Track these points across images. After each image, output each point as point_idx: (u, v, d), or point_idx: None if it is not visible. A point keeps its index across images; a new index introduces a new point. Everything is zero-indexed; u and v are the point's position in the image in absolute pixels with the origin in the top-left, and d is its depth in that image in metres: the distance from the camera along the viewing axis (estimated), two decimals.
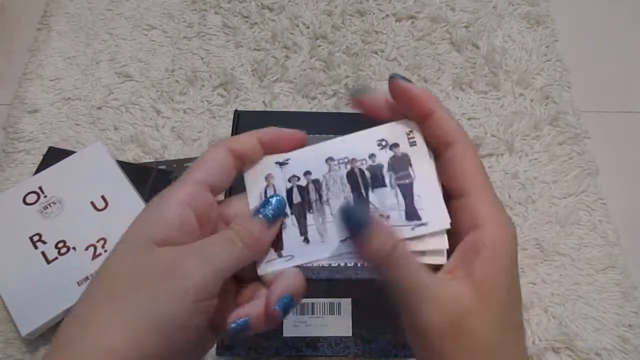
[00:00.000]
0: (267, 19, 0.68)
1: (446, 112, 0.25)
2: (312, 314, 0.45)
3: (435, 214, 0.25)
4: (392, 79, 0.26)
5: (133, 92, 0.63)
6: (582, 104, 0.63)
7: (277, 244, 0.27)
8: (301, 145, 0.28)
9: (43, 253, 0.48)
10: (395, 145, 0.26)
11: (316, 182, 0.27)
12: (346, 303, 0.45)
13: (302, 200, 0.27)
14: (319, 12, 0.68)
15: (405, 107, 0.26)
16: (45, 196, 0.51)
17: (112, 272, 0.24)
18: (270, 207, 0.26)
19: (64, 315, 0.45)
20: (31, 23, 0.69)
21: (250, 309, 0.25)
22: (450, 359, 0.22)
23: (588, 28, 0.70)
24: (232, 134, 0.51)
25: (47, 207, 0.50)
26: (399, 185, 0.26)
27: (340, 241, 0.26)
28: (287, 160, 0.28)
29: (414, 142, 0.26)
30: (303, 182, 0.27)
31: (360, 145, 0.27)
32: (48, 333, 0.47)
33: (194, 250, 0.24)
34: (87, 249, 0.48)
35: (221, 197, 0.43)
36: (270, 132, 0.28)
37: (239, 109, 0.60)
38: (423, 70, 0.64)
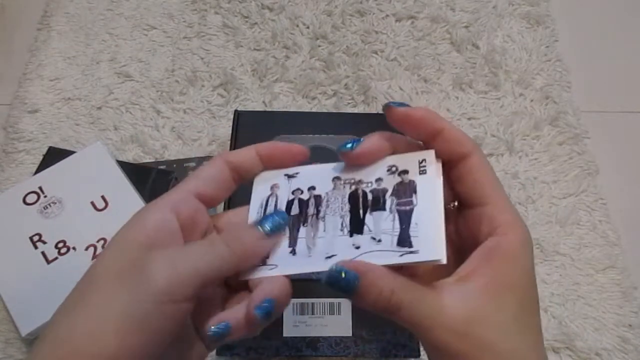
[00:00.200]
0: (267, 19, 0.68)
1: (452, 126, 0.25)
2: (312, 314, 0.45)
3: (430, 243, 0.23)
4: (387, 107, 0.25)
5: (133, 92, 0.63)
6: (582, 104, 0.63)
7: None
8: (302, 159, 0.28)
9: (43, 253, 0.48)
10: (405, 171, 0.26)
11: (317, 198, 0.27)
12: (346, 303, 0.45)
13: (300, 212, 0.27)
14: (319, 12, 0.68)
15: (410, 132, 0.26)
16: (45, 196, 0.51)
17: (96, 272, 0.24)
18: (269, 220, 0.26)
19: None
20: (31, 23, 0.69)
21: (231, 314, 0.25)
22: None
23: (588, 28, 0.70)
24: (232, 134, 0.51)
25: (47, 207, 0.50)
26: (398, 211, 0.25)
27: (326, 257, 0.25)
28: (296, 173, 0.28)
29: (424, 170, 0.25)
30: (305, 195, 0.27)
31: (370, 168, 0.27)
32: None
33: (166, 253, 0.24)
34: (87, 249, 0.48)
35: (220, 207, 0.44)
36: (268, 146, 0.28)
37: (239, 109, 0.60)
38: (423, 70, 0.64)
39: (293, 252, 0.26)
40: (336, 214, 0.26)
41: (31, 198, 0.51)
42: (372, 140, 0.26)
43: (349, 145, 0.26)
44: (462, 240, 0.26)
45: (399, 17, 0.68)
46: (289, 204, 0.27)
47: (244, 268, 0.26)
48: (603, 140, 0.61)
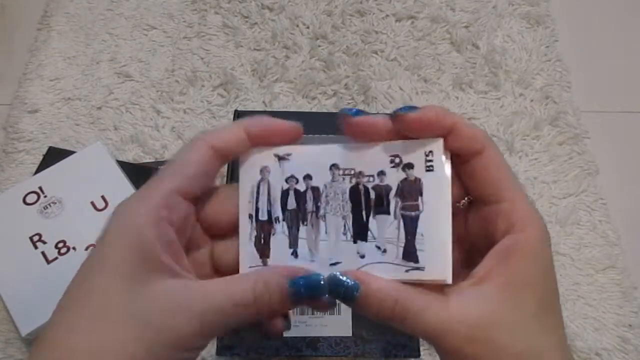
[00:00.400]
0: (267, 19, 0.68)
1: (464, 120, 0.23)
2: (312, 314, 0.45)
3: (436, 260, 0.22)
4: (397, 115, 0.23)
5: (133, 92, 0.63)
6: (582, 104, 0.63)
7: (264, 249, 0.25)
8: (297, 137, 0.25)
9: (43, 253, 0.48)
10: (409, 165, 0.23)
11: (315, 191, 0.25)
12: None
13: (298, 207, 0.25)
14: (319, 12, 0.68)
15: (422, 135, 0.23)
16: (45, 196, 0.51)
17: (92, 297, 0.22)
18: (305, 286, 0.23)
19: None
20: (31, 23, 0.69)
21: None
22: None
23: (588, 28, 0.70)
24: None
25: (47, 207, 0.50)
26: (403, 217, 0.23)
27: (330, 264, 0.24)
28: (288, 155, 0.25)
29: (431, 167, 0.23)
30: (301, 186, 0.25)
31: (371, 158, 0.24)
32: None
33: (182, 295, 0.22)
34: (87, 249, 0.48)
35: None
36: (260, 125, 0.25)
37: (239, 109, 0.60)
38: (423, 70, 0.64)
39: (295, 254, 0.25)
40: (337, 214, 0.24)
41: (31, 198, 0.51)
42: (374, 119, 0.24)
43: (352, 111, 0.24)
44: (473, 238, 0.25)
45: (399, 17, 0.68)
46: (284, 195, 0.25)
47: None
48: (603, 140, 0.61)
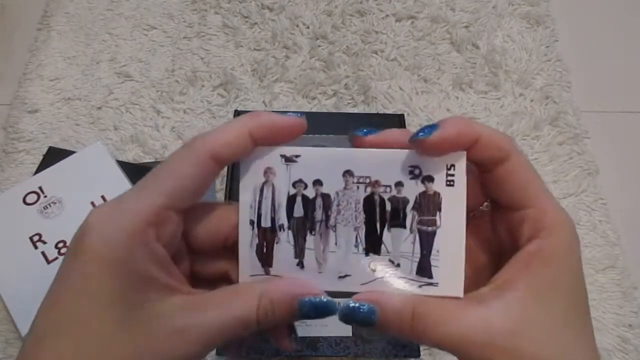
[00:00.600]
0: (267, 19, 0.68)
1: (488, 129, 0.22)
2: None
3: (450, 276, 0.22)
4: (415, 141, 0.22)
5: (133, 92, 0.63)
6: (582, 104, 0.63)
7: (266, 257, 0.24)
8: (301, 132, 0.23)
9: (43, 253, 0.48)
10: (429, 178, 0.23)
11: (326, 198, 0.23)
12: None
13: (305, 215, 0.23)
14: (319, 12, 0.68)
15: (445, 153, 0.22)
16: (45, 196, 0.51)
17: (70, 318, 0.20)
18: (314, 310, 0.22)
19: None
20: (31, 23, 0.69)
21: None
22: None
23: (588, 28, 0.70)
24: None
25: (47, 207, 0.50)
26: (419, 231, 0.23)
27: (339, 277, 0.23)
28: (296, 156, 0.23)
29: (452, 182, 0.22)
30: (310, 192, 0.23)
31: (388, 166, 0.23)
32: None
33: (189, 327, 0.20)
34: None
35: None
36: (265, 125, 0.22)
37: (239, 109, 0.60)
38: (423, 70, 0.64)
39: (300, 264, 0.23)
40: (349, 225, 0.23)
41: (31, 198, 0.51)
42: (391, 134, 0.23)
43: (363, 132, 0.23)
44: (501, 243, 0.24)
45: (399, 17, 0.68)
46: (291, 200, 0.23)
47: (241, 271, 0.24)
48: (603, 140, 0.61)
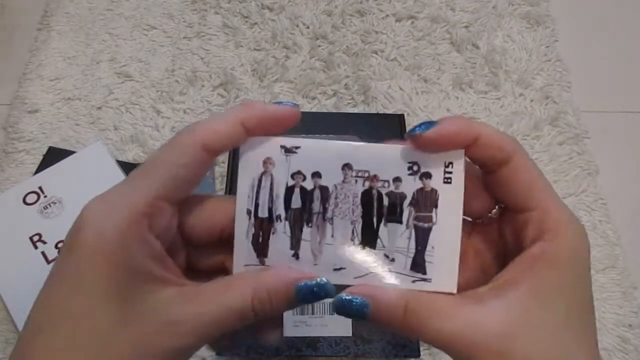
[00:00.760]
0: (267, 19, 0.68)
1: (489, 129, 0.22)
2: (312, 314, 0.45)
3: (443, 273, 0.23)
4: (412, 136, 0.22)
5: (133, 92, 0.63)
6: (582, 104, 0.63)
7: (261, 247, 0.24)
8: (296, 121, 0.23)
9: (43, 253, 0.48)
10: (427, 175, 0.23)
11: (324, 191, 0.23)
12: None
13: (303, 207, 0.23)
14: (319, 12, 0.68)
15: (444, 150, 0.22)
16: (45, 196, 0.51)
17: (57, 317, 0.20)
18: (311, 294, 0.22)
19: None
20: (31, 23, 0.69)
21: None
22: None
23: (588, 28, 0.70)
24: None
25: (47, 207, 0.50)
26: (415, 227, 0.23)
27: (334, 269, 0.23)
28: (296, 148, 0.23)
29: (449, 179, 0.23)
30: (309, 184, 0.23)
31: (387, 161, 0.23)
32: None
33: (185, 320, 0.20)
34: None
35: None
36: (258, 115, 0.22)
37: None
38: (423, 70, 0.64)
39: (296, 256, 0.23)
40: (346, 218, 0.23)
41: (31, 198, 0.51)
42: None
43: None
44: (507, 245, 0.24)
45: (399, 17, 0.68)
46: (289, 191, 0.23)
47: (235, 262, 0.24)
48: (603, 140, 0.61)
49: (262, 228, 0.24)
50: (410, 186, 0.23)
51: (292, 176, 0.23)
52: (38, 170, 0.55)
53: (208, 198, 0.24)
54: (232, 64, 0.65)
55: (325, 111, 0.62)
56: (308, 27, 0.67)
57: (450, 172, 0.23)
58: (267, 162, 0.23)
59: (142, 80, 0.64)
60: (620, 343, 0.49)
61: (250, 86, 0.63)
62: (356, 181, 0.23)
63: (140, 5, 0.70)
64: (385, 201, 0.23)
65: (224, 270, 0.25)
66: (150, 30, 0.68)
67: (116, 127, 0.60)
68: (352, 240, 0.23)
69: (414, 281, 0.23)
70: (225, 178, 0.52)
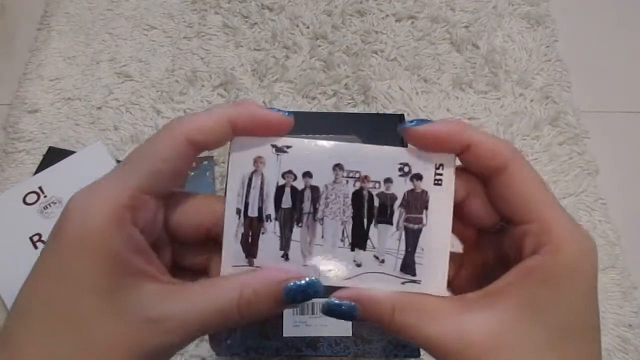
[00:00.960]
0: (267, 19, 0.68)
1: (484, 136, 0.21)
2: (312, 314, 0.45)
3: (433, 275, 0.23)
4: (403, 129, 0.22)
5: (133, 92, 0.63)
6: (582, 104, 0.63)
7: (250, 247, 0.23)
8: (286, 130, 0.23)
9: None
10: (418, 177, 0.23)
11: (315, 191, 0.23)
12: None
13: (293, 207, 0.23)
14: (319, 12, 0.68)
15: (434, 150, 0.22)
16: (45, 196, 0.51)
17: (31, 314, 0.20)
18: (301, 293, 0.21)
19: None
20: (31, 23, 0.69)
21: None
22: None
23: (588, 28, 0.70)
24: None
25: (47, 207, 0.50)
26: (405, 228, 0.23)
27: (323, 271, 0.23)
28: (287, 147, 0.23)
29: (440, 181, 0.23)
30: (299, 184, 0.23)
31: (378, 162, 0.23)
32: None
33: (170, 316, 0.20)
34: None
35: None
36: (247, 115, 0.22)
37: None
38: (423, 70, 0.64)
39: (285, 256, 0.23)
40: (336, 218, 0.23)
41: (31, 198, 0.51)
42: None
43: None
44: (506, 259, 0.23)
45: (399, 17, 0.68)
46: (279, 191, 0.23)
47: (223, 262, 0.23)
48: (603, 140, 0.61)
49: (252, 228, 0.23)
50: (401, 187, 0.23)
51: (283, 175, 0.23)
52: (38, 170, 0.55)
53: (196, 196, 0.24)
54: (232, 64, 0.65)
55: (325, 111, 0.62)
56: (308, 27, 0.67)
57: (441, 174, 0.23)
58: (257, 160, 0.23)
59: (142, 80, 0.64)
60: (620, 343, 0.49)
61: (250, 86, 0.63)
62: (347, 181, 0.23)
63: (140, 5, 0.70)
64: (376, 202, 0.23)
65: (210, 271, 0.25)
66: (150, 30, 0.68)
67: (116, 127, 0.60)
68: (342, 241, 0.23)
69: (403, 283, 0.23)
70: (225, 178, 0.52)
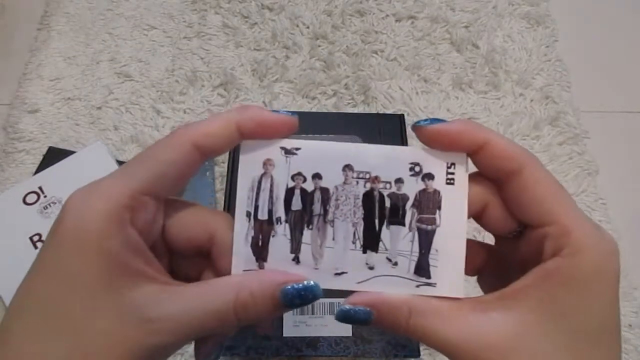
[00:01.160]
0: (267, 19, 0.68)
1: (499, 137, 0.21)
2: (312, 314, 0.45)
3: (448, 277, 0.22)
4: (416, 127, 0.22)
5: (133, 92, 0.63)
6: (582, 104, 0.63)
7: (260, 251, 0.23)
8: (293, 130, 0.23)
9: None
10: (429, 176, 0.22)
11: (325, 192, 0.23)
12: None
13: (303, 209, 0.23)
14: (319, 12, 0.68)
15: (447, 149, 0.22)
16: (45, 196, 0.51)
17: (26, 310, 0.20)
18: (300, 297, 0.21)
19: None
20: (31, 23, 0.69)
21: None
22: None
23: (588, 28, 0.70)
24: None
25: (47, 207, 0.50)
26: (418, 229, 0.22)
27: (335, 274, 0.23)
28: (296, 149, 0.23)
29: (452, 180, 0.22)
30: (309, 186, 0.23)
31: (388, 162, 0.22)
32: None
33: (166, 317, 0.20)
34: None
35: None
36: (254, 119, 0.22)
37: None
38: (423, 70, 0.64)
39: (296, 260, 0.23)
40: (347, 220, 0.23)
41: (31, 198, 0.51)
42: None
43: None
44: (525, 263, 0.22)
45: (399, 17, 0.68)
46: (289, 193, 0.23)
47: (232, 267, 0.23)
48: (603, 140, 0.61)
49: (262, 231, 0.23)
50: (412, 187, 0.22)
51: (292, 178, 0.23)
52: (38, 170, 0.55)
53: (190, 208, 0.24)
54: (232, 64, 0.65)
55: (325, 111, 0.62)
56: (308, 27, 0.67)
57: (453, 173, 0.22)
58: (267, 163, 0.23)
59: (142, 80, 0.64)
60: None
61: (250, 86, 0.63)
62: (357, 182, 0.23)
63: (140, 5, 0.70)
64: (387, 203, 0.23)
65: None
66: (150, 30, 0.68)
67: (116, 127, 0.60)
68: (354, 243, 0.23)
69: (418, 286, 0.22)
70: (225, 178, 0.52)
